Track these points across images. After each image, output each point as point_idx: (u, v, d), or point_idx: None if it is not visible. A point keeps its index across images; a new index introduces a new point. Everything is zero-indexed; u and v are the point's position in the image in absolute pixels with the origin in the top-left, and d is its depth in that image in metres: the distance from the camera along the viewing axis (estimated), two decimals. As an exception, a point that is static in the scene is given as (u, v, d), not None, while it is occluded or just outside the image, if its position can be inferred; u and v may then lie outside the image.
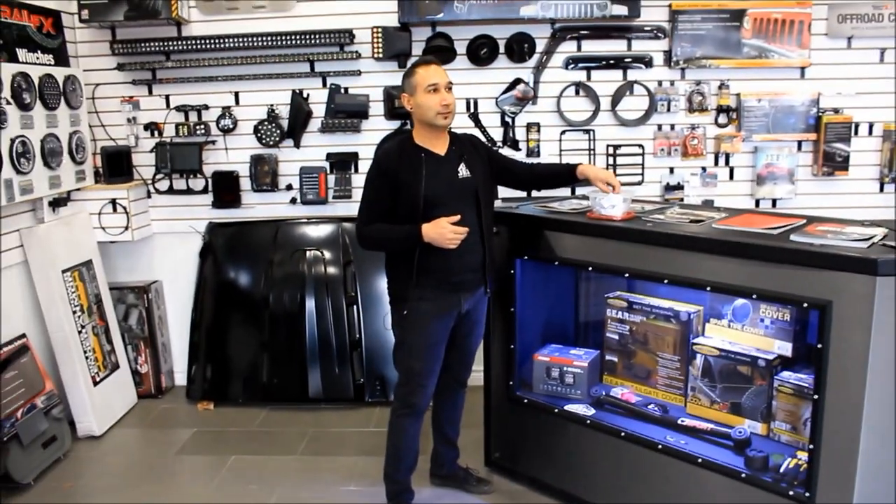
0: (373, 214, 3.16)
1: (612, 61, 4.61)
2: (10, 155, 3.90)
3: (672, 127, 4.63)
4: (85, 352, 4.44)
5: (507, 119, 4.67)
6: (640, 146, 4.65)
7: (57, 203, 4.48)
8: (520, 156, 4.68)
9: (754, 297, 2.88)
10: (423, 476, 3.67)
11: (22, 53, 4.15)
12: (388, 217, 3.13)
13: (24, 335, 4.15)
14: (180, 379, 5.13)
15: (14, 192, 3.95)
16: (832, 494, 2.63)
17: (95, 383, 4.48)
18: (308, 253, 4.75)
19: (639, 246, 3.09)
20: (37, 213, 4.35)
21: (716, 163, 4.66)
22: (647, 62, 4.58)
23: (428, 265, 3.14)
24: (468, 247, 3.17)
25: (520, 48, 4.57)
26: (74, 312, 4.41)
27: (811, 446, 2.67)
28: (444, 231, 3.02)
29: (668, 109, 4.57)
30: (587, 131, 4.68)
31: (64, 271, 4.39)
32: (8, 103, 3.91)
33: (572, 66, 4.63)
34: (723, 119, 4.59)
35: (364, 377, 4.64)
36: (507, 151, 4.66)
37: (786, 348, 3.11)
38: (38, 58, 4.30)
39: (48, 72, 4.27)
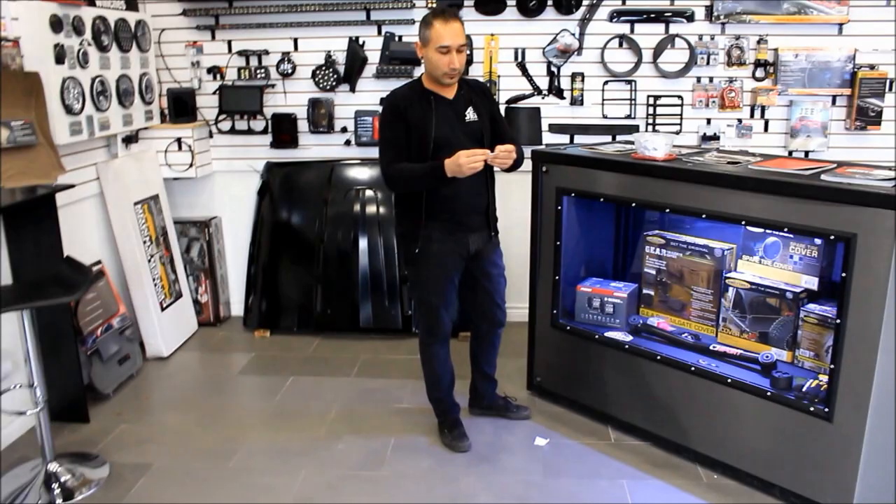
0: (394, 153, 3.35)
1: (654, 15, 4.79)
2: (90, 93, 4.19)
3: (711, 79, 4.82)
4: (153, 279, 4.77)
5: (553, 69, 4.89)
6: (680, 97, 4.86)
7: (128, 140, 4.78)
8: (564, 104, 4.92)
9: (786, 230, 3.13)
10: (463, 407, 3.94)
11: (99, -2, 4.44)
12: (406, 156, 3.34)
13: (100, 261, 4.48)
14: (236, 309, 5.47)
15: (94, 127, 4.24)
16: (849, 410, 2.90)
17: (162, 309, 4.82)
18: (361, 192, 5.03)
19: (680, 184, 3.34)
20: (111, 149, 4.66)
21: (751, 115, 4.85)
22: (689, 16, 4.76)
23: (435, 207, 3.38)
24: (473, 190, 3.40)
25: (567, 1, 4.77)
26: (144, 242, 4.73)
27: (832, 367, 2.93)
28: (461, 160, 3.18)
29: (708, 63, 4.76)
30: (629, 82, 4.89)
31: (135, 203, 4.70)
32: (89, 45, 4.19)
33: (616, 19, 4.82)
34: (760, 73, 4.77)
35: (412, 310, 4.94)
36: (552, 100, 4.90)
37: (812, 282, 3.36)
38: (111, 3, 4.57)
39: (122, 16, 4.54)
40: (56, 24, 3.88)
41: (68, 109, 3.98)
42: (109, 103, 4.39)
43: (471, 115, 3.41)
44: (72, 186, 3.90)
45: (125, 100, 4.55)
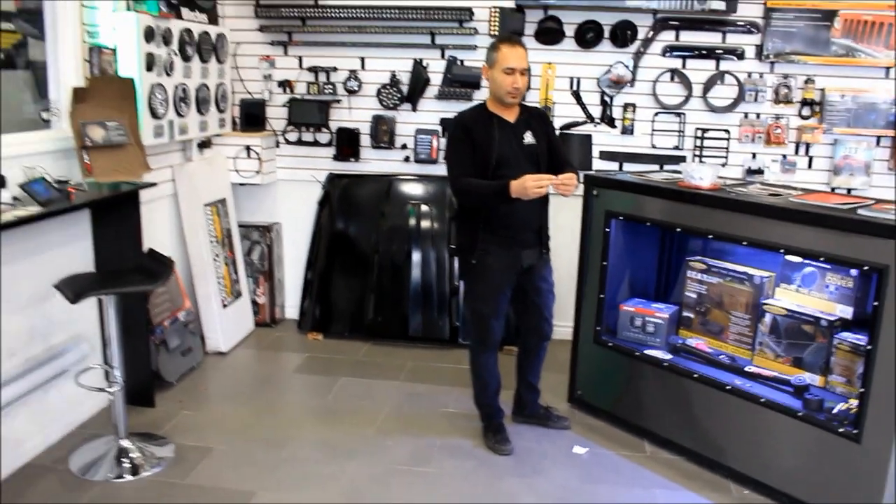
0: (462, 168, 3.60)
1: (706, 51, 4.98)
2: (173, 99, 4.49)
3: (758, 116, 5.00)
4: (217, 278, 5.05)
5: (606, 98, 5.11)
6: (727, 131, 5.04)
7: (203, 145, 5.09)
8: (615, 132, 5.13)
9: (822, 260, 3.31)
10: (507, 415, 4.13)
11: (185, 12, 4.75)
12: (471, 172, 3.58)
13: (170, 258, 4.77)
14: (291, 313, 5.73)
15: (175, 131, 4.55)
16: (877, 433, 3.06)
17: (224, 306, 5.09)
18: (416, 207, 5.27)
19: (723, 212, 3.54)
20: (186, 153, 4.97)
21: (796, 151, 5.01)
22: (739, 54, 4.95)
23: (493, 223, 3.62)
24: (529, 208, 3.61)
25: (623, 34, 4.99)
26: (211, 242, 5.02)
27: (861, 391, 3.09)
28: (528, 184, 3.39)
29: (756, 99, 4.94)
30: (678, 114, 5.08)
31: (205, 205, 5.00)
32: (175, 55, 4.50)
33: (669, 53, 5.02)
34: (806, 111, 4.94)
35: (459, 321, 5.16)
36: (603, 128, 5.12)
37: (847, 312, 3.53)
38: (195, 16, 4.89)
39: (205, 29, 4.86)
40: (149, 35, 4.19)
41: (154, 113, 4.28)
42: (189, 110, 4.69)
43: (529, 138, 3.65)
44: (154, 184, 4.19)
45: (202, 107, 4.86)
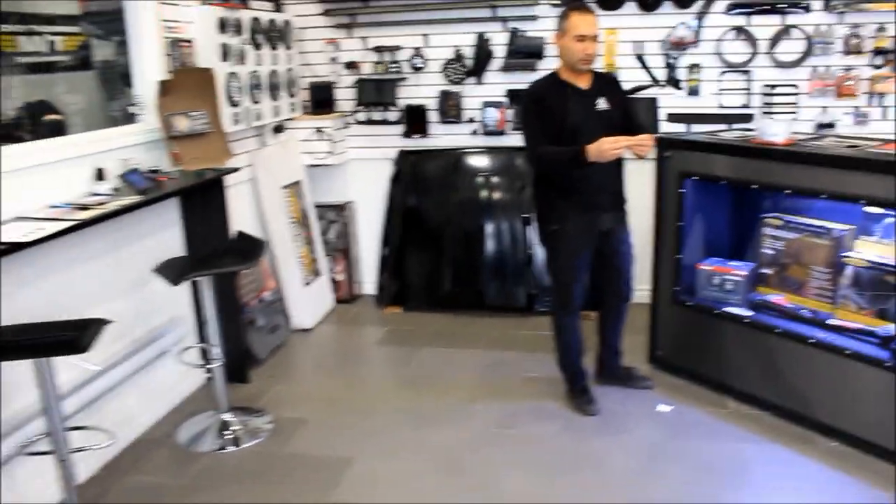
0: (538, 138, 3.66)
1: (771, 6, 4.93)
2: (247, 87, 4.64)
3: (827, 68, 4.94)
4: (298, 258, 5.22)
5: (670, 61, 5.11)
6: (795, 86, 5.00)
7: (276, 130, 5.24)
8: (680, 94, 5.13)
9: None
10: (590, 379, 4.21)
11: (252, 2, 4.88)
12: (546, 141, 3.64)
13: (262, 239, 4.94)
14: (368, 288, 5.89)
15: (250, 118, 4.70)
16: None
17: (305, 285, 5.26)
18: (487, 178, 5.36)
19: (799, 166, 3.56)
20: (261, 138, 5.12)
21: (869, 102, 4.95)
22: (806, 7, 4.89)
23: (571, 189, 3.70)
24: (605, 173, 3.67)
25: (685, -6, 4.98)
26: (290, 223, 5.19)
27: (950, 337, 3.11)
28: (604, 146, 3.44)
29: (825, 52, 4.89)
30: (745, 72, 5.06)
31: (282, 188, 5.16)
32: (246, 43, 4.64)
33: (733, 10, 4.99)
34: (878, 61, 4.87)
35: (535, 289, 5.25)
36: (669, 90, 5.12)
37: (931, 260, 3.51)
38: (262, 5, 5.03)
39: (271, 17, 4.99)
40: (222, 26, 4.34)
41: (231, 101, 4.44)
42: (262, 96, 4.84)
43: (602, 104, 3.70)
44: (237, 170, 4.35)
45: (275, 93, 5.00)
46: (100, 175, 3.50)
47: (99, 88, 5.10)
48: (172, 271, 3.55)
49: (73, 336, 2.64)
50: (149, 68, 4.00)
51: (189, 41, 4.17)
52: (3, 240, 2.74)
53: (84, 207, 3.21)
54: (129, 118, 4.08)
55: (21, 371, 3.06)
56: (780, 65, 4.99)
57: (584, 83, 3.69)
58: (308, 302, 5.25)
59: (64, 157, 3.41)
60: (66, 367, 3.04)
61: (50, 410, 2.84)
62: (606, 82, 3.80)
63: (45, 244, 2.88)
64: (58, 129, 4.64)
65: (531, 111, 3.70)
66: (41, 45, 4.79)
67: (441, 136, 5.52)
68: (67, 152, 3.45)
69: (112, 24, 4.98)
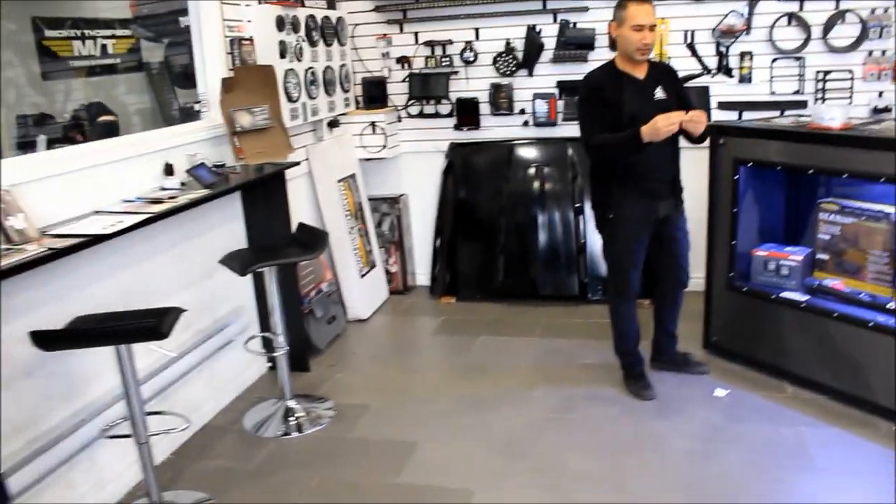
0: (595, 126, 3.69)
1: (825, -9, 4.93)
2: (304, 83, 4.75)
3: (883, 52, 4.90)
4: (354, 249, 5.32)
5: (722, 49, 5.12)
6: (850, 71, 4.97)
7: (332, 124, 5.35)
8: (732, 82, 5.13)
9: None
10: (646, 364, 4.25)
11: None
12: (603, 130, 3.67)
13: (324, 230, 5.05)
14: (421, 279, 5.99)
15: (307, 113, 4.81)
16: None
17: (361, 276, 5.37)
18: (539, 169, 5.42)
19: (857, 150, 3.56)
20: (317, 133, 5.23)
21: (927, 86, 4.92)
22: (860, -10, 4.88)
23: (628, 176, 3.73)
24: (662, 160, 3.73)
25: (737, -19, 4.98)
26: (346, 216, 5.29)
27: None
28: (659, 124, 3.45)
29: (881, 35, 4.84)
30: (797, 58, 5.04)
31: (338, 181, 5.26)
32: (303, 41, 4.75)
33: (785, -4, 4.99)
34: (935, 43, 4.83)
35: (587, 278, 5.30)
36: (720, 78, 5.13)
37: None
38: (316, 3, 5.13)
39: (326, 14, 5.10)
40: (280, 24, 4.45)
41: (289, 97, 4.55)
42: (318, 91, 4.94)
43: (659, 93, 3.73)
44: (298, 164, 4.46)
45: (329, 88, 5.11)
46: (169, 170, 3.63)
47: (148, 89, 5.27)
48: (238, 262, 3.67)
49: (155, 323, 2.76)
50: (212, 66, 4.13)
51: (249, 39, 4.28)
52: (84, 232, 2.86)
53: (157, 201, 3.34)
54: (187, 117, 4.22)
55: (96, 360, 3.21)
56: (834, 50, 4.96)
57: (640, 73, 3.73)
58: (364, 293, 5.35)
59: (134, 154, 3.55)
60: (141, 355, 3.16)
61: (131, 395, 2.97)
62: (663, 72, 3.84)
63: (119, 237, 3.00)
64: (111, 130, 4.81)
65: (588, 100, 3.74)
66: (94, 49, 4.96)
67: (492, 129, 5.59)
68: (137, 149, 3.58)
69: (161, 26, 5.16)
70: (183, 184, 3.66)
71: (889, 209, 3.85)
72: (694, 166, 4.41)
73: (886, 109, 4.92)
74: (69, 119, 4.90)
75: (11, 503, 2.60)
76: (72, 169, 3.17)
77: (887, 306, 3.72)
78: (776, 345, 4.06)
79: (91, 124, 4.89)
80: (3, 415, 2.82)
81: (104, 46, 5.04)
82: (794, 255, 4.11)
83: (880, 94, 4.94)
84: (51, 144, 4.38)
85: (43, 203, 2.97)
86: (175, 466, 3.61)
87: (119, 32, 5.17)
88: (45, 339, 2.74)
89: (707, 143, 4.12)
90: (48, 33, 4.69)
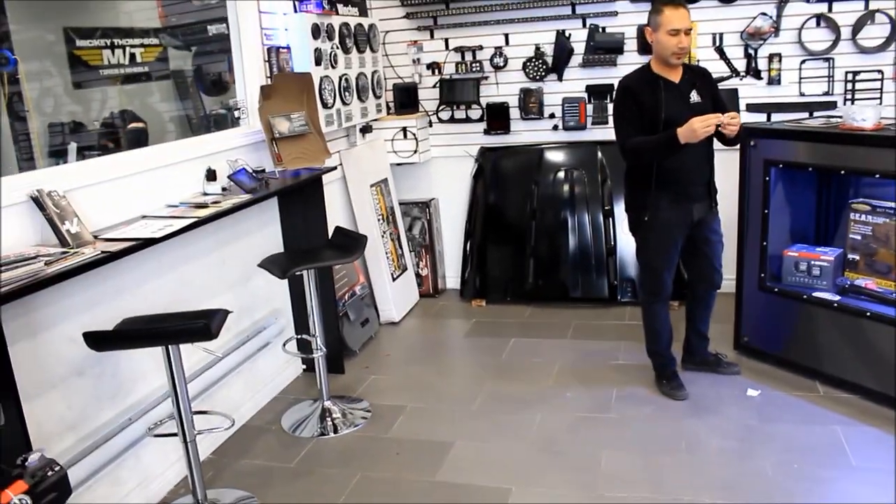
0: (630, 129, 3.74)
1: (855, -8, 4.95)
2: (338, 89, 4.84)
3: (913, 53, 4.94)
4: (386, 253, 5.40)
5: (750, 51, 5.15)
6: (880, 72, 4.98)
7: (364, 130, 5.43)
8: (761, 84, 5.17)
9: None
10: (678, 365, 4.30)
11: (339, 7, 5.08)
12: (639, 134, 3.72)
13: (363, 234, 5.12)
14: (451, 283, 6.06)
15: (342, 119, 4.90)
16: None
17: (393, 280, 5.44)
18: (569, 173, 5.47)
19: (889, 151, 3.58)
20: (350, 138, 5.32)
21: (956, 87, 4.93)
22: (889, -9, 4.89)
23: (663, 179, 3.77)
24: (697, 163, 3.78)
25: (765, -16, 5.01)
26: (378, 220, 5.37)
27: None
28: (695, 125, 3.51)
29: (911, 36, 4.88)
30: (826, 59, 5.06)
31: (370, 186, 5.35)
32: (337, 48, 4.84)
33: (814, -1, 5.02)
34: (966, 44, 4.83)
35: (617, 280, 5.35)
36: (749, 80, 5.16)
37: None
38: (349, 10, 5.22)
39: (359, 21, 5.18)
40: (315, 32, 4.54)
41: (324, 104, 4.63)
42: (352, 98, 5.03)
43: (695, 97, 3.78)
44: (335, 168, 4.55)
45: (363, 94, 5.19)
46: (211, 175, 3.72)
47: (175, 97, 5.36)
48: (278, 266, 3.75)
49: (204, 324, 2.84)
50: (250, 74, 4.22)
51: (286, 48, 4.38)
52: (136, 236, 2.95)
53: (201, 206, 3.43)
54: (215, 124, 4.31)
55: (142, 361, 3.31)
56: (864, 50, 4.97)
57: (676, 76, 3.77)
58: (396, 296, 5.43)
59: (177, 160, 3.65)
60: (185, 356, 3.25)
61: (179, 394, 3.06)
62: (698, 75, 3.88)
63: (165, 241, 3.08)
64: (141, 137, 4.91)
65: (624, 104, 3.78)
66: (123, 58, 5.06)
67: (522, 133, 5.65)
68: (180, 155, 3.68)
69: (189, 35, 5.25)
70: (224, 189, 3.76)
71: (921, 210, 3.88)
72: (725, 168, 4.45)
73: (918, 110, 4.93)
74: (100, 126, 5.01)
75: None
76: (119, 175, 3.27)
77: (920, 306, 3.75)
78: (808, 345, 4.09)
79: (122, 131, 5.00)
80: (55, 413, 2.92)
81: (133, 55, 5.14)
82: (826, 256, 4.14)
83: (910, 95, 4.96)
84: (81, 152, 4.48)
85: (93, 208, 3.08)
86: (216, 465, 3.70)
87: (147, 41, 5.28)
88: (99, 340, 2.83)
89: (738, 145, 4.17)
90: (79, 43, 4.80)
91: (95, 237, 2.92)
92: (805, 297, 4.07)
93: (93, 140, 4.83)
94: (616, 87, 3.88)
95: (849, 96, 5.05)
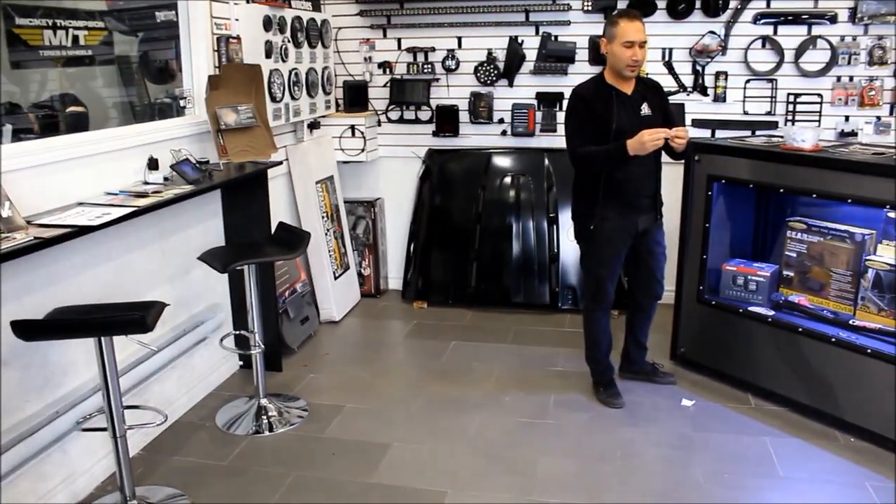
0: (580, 139, 3.78)
1: (798, 17, 5.06)
2: (287, 83, 4.78)
3: (851, 79, 5.05)
4: (329, 251, 5.36)
5: (698, 68, 5.24)
6: (819, 95, 5.12)
7: (312, 126, 5.38)
8: (707, 101, 5.26)
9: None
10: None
11: (293, 1, 5.02)
12: (589, 143, 3.76)
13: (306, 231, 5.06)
14: (394, 283, 6.03)
15: (290, 114, 4.84)
16: None
17: (335, 278, 5.40)
18: (516, 179, 5.50)
19: (827, 171, 3.68)
20: (297, 134, 5.26)
21: (891, 112, 5.06)
22: (832, 18, 5.01)
23: (610, 190, 3.81)
24: (644, 175, 3.84)
25: (714, 3, 5.08)
26: (322, 217, 5.32)
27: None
28: (644, 138, 3.57)
29: (849, 62, 5.00)
30: (770, 80, 5.18)
31: (316, 182, 5.29)
32: (288, 41, 4.78)
33: (761, 20, 5.11)
34: (902, 72, 5.00)
35: (559, 287, 5.38)
36: (696, 97, 5.25)
37: (952, 265, 3.63)
38: (302, 4, 5.17)
39: (311, 16, 5.14)
40: (267, 24, 4.49)
41: (272, 97, 4.57)
42: (301, 93, 4.98)
43: (646, 110, 3.82)
44: (280, 163, 4.49)
45: (312, 90, 5.15)
46: (153, 164, 3.64)
47: (119, 83, 5.23)
48: (219, 259, 3.68)
49: (140, 316, 2.77)
50: (198, 63, 4.15)
51: (236, 38, 4.31)
52: (72, 223, 2.87)
53: (141, 195, 3.35)
54: (159, 112, 4.23)
55: (72, 352, 3.22)
56: (805, 74, 5.11)
57: (628, 88, 3.81)
58: (337, 295, 5.39)
59: (118, 147, 3.56)
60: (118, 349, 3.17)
61: (110, 388, 2.98)
62: (650, 88, 3.93)
63: (102, 230, 3.01)
64: (82, 121, 4.78)
65: (576, 112, 3.81)
66: (65, 40, 4.93)
67: (471, 136, 5.66)
68: (121, 142, 3.59)
69: (136, 20, 5.13)
70: (167, 179, 3.68)
71: (853, 230, 3.98)
72: (670, 181, 4.51)
73: (853, 133, 5.07)
74: (38, 109, 4.86)
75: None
76: (56, 160, 3.18)
77: (850, 323, 3.85)
78: (742, 357, 4.17)
79: (61, 115, 4.86)
80: (-18, 402, 2.82)
81: (76, 37, 5.00)
82: (762, 271, 4.23)
83: (846, 118, 5.10)
84: (17, 135, 4.35)
85: (28, 193, 2.97)
86: (147, 462, 3.61)
87: (92, 24, 5.14)
88: (28, 329, 2.74)
89: (682, 160, 4.23)
90: (19, 21, 4.65)
91: (28, 222, 2.83)
92: (741, 310, 4.16)
93: (29, 123, 4.69)
94: (569, 95, 3.91)
95: (790, 117, 5.18)
